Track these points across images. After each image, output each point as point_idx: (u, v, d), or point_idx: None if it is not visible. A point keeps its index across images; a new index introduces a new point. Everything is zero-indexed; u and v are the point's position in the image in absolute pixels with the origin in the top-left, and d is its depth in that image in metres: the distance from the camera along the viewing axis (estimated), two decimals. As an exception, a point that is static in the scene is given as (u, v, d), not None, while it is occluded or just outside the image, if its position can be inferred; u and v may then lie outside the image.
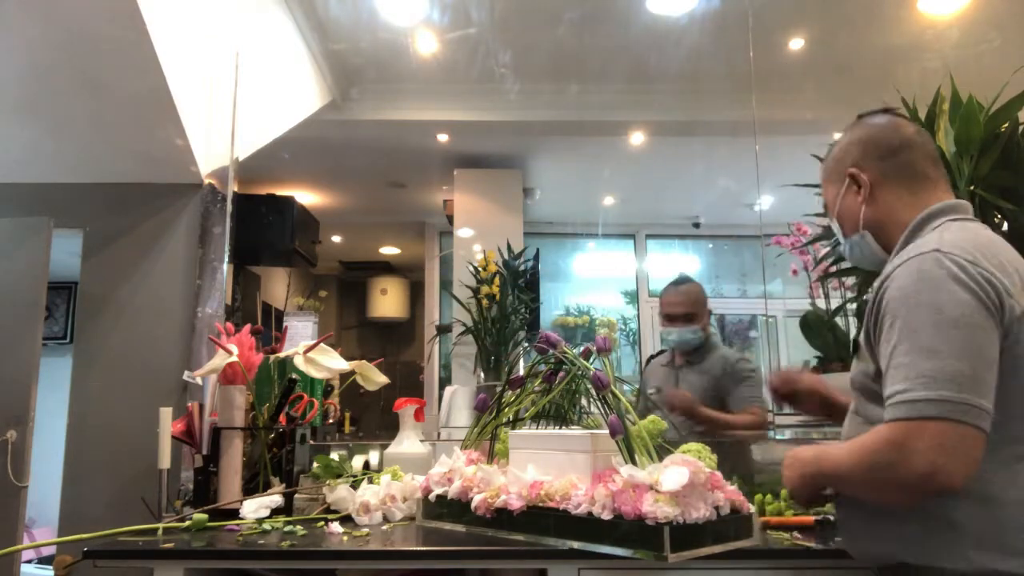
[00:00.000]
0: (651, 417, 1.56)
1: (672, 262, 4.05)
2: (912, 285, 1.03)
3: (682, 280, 2.59)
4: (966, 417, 0.96)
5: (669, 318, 2.49)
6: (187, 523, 1.50)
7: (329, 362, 1.85)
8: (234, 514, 1.59)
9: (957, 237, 1.07)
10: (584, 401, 1.50)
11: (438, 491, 1.48)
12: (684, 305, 2.45)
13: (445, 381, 3.33)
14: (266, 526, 1.50)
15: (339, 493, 1.61)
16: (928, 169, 1.17)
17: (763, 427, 2.34)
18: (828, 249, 2.24)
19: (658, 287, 3.83)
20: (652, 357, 2.80)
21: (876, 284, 1.11)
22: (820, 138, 2.15)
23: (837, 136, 1.84)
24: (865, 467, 1.04)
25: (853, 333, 2.23)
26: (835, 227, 1.29)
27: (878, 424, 1.03)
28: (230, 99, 2.67)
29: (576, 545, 1.23)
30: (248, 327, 1.90)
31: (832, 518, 1.49)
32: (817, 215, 2.18)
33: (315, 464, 1.72)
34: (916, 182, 1.16)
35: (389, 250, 4.03)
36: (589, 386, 1.40)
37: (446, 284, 3.52)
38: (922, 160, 1.17)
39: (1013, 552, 0.99)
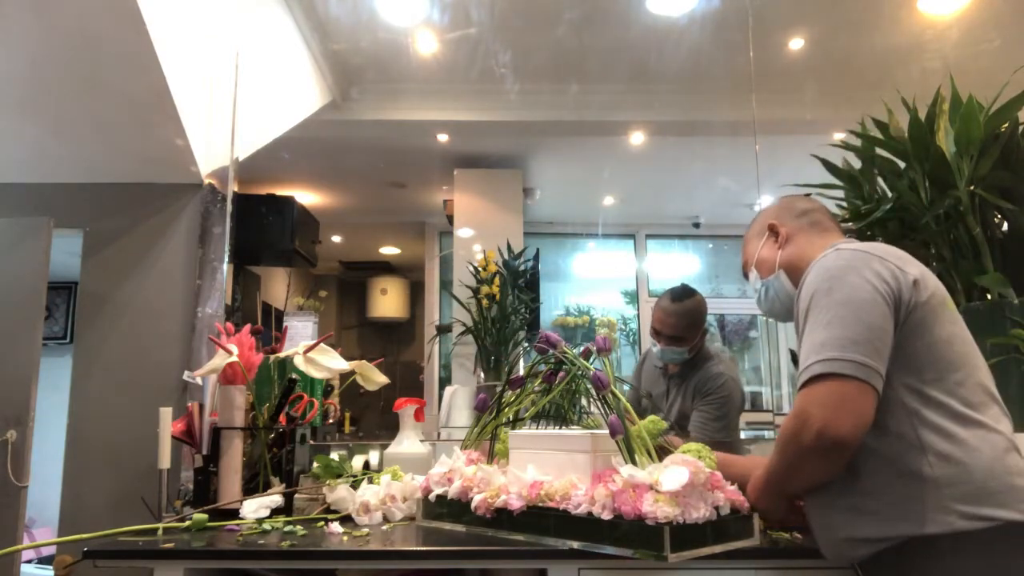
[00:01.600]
0: (651, 417, 1.56)
1: (672, 262, 4.05)
2: (813, 280, 1.20)
3: (678, 296, 2.34)
4: (849, 371, 1.08)
5: (655, 332, 2.33)
6: (187, 523, 1.50)
7: (329, 362, 1.84)
8: (234, 514, 1.59)
9: (854, 243, 1.27)
10: (584, 401, 1.50)
11: (438, 491, 1.48)
12: (672, 328, 2.28)
13: (445, 381, 3.33)
14: (266, 526, 1.50)
15: (339, 493, 1.61)
16: (830, 224, 1.44)
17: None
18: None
19: (658, 287, 3.84)
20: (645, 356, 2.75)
21: (796, 297, 1.25)
22: (820, 138, 2.16)
23: (838, 136, 1.90)
24: (780, 450, 1.18)
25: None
26: (753, 276, 1.49)
27: None
28: (230, 99, 2.67)
29: (576, 545, 1.23)
30: (248, 327, 1.90)
31: None
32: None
33: (315, 464, 1.72)
34: (823, 231, 1.41)
35: (389, 250, 4.02)
36: (589, 386, 1.39)
37: (446, 284, 3.51)
38: (825, 219, 1.44)
39: (994, 500, 1.05)
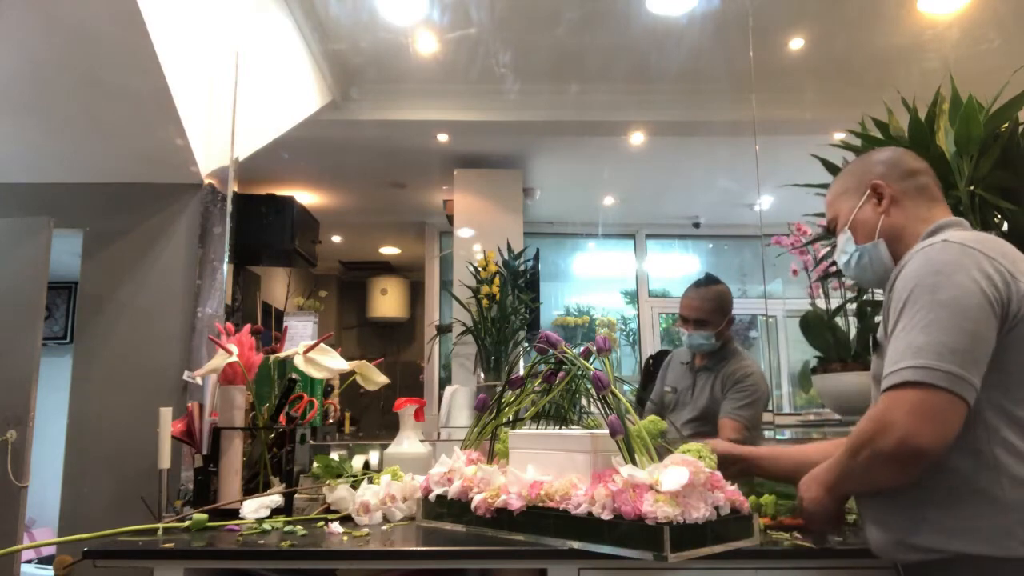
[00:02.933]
0: (651, 417, 1.56)
1: (672, 262, 4.05)
2: (916, 271, 1.11)
3: (703, 282, 2.42)
4: (944, 383, 1.01)
5: (683, 319, 2.38)
6: (187, 523, 1.50)
7: (329, 362, 1.84)
8: (234, 514, 1.59)
9: (963, 234, 1.17)
10: (584, 401, 1.50)
11: (438, 491, 1.48)
12: (697, 311, 2.33)
13: (445, 381, 3.34)
14: (266, 526, 1.50)
15: (339, 493, 1.61)
16: (938, 193, 1.30)
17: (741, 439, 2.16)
18: (828, 249, 2.24)
19: (658, 287, 3.84)
20: (653, 356, 2.76)
21: (890, 280, 1.18)
22: (820, 138, 2.16)
23: (838, 136, 1.85)
24: (854, 451, 1.10)
25: (853, 333, 2.22)
26: (844, 238, 1.35)
27: None
28: (230, 99, 2.67)
29: (576, 545, 1.23)
30: (248, 327, 1.90)
31: None
32: (817, 215, 2.18)
33: (315, 464, 1.72)
34: (930, 201, 1.28)
35: (389, 250, 4.03)
36: (589, 386, 1.39)
37: (446, 284, 3.52)
38: (933, 184, 1.30)
39: None
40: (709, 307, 2.34)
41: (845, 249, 1.34)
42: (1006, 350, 1.06)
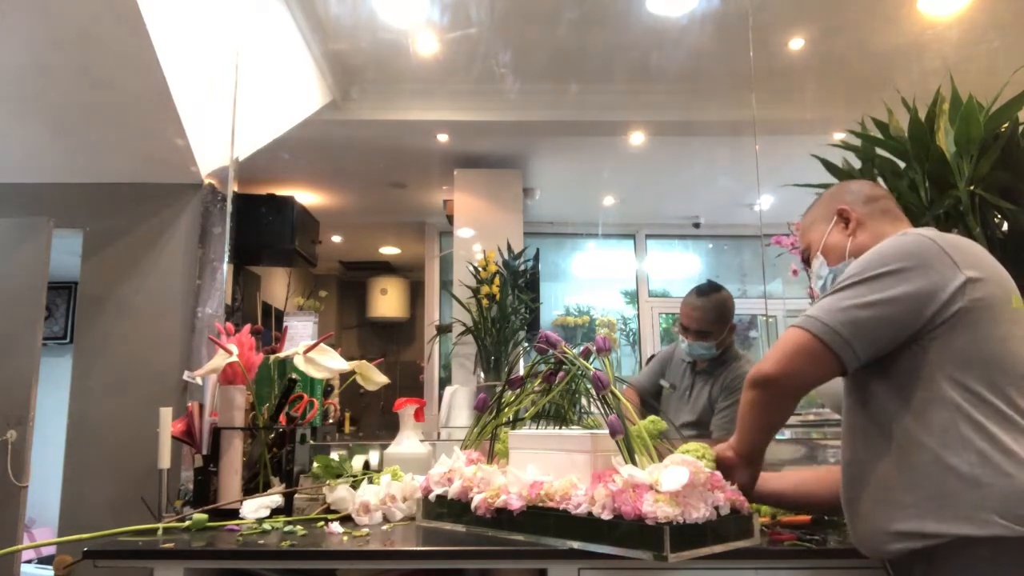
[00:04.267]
0: (651, 417, 1.56)
1: (672, 262, 4.05)
2: (863, 256, 1.20)
3: (705, 290, 2.37)
4: (818, 331, 1.12)
5: (683, 328, 2.34)
6: (187, 523, 1.50)
7: (329, 362, 1.84)
8: (234, 514, 1.59)
9: (924, 229, 1.24)
10: (584, 401, 1.50)
11: (438, 491, 1.48)
12: (699, 322, 2.30)
13: (445, 381, 3.33)
14: (266, 526, 1.50)
15: (339, 493, 1.61)
16: (900, 214, 1.41)
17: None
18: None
19: (658, 287, 3.84)
20: (654, 355, 2.75)
21: None
22: (820, 138, 2.16)
23: (838, 136, 1.87)
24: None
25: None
26: (817, 263, 1.44)
27: (868, 411, 1.18)
28: (230, 99, 2.67)
29: (576, 545, 1.23)
30: (248, 327, 1.90)
31: (826, 516, 1.49)
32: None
33: (315, 464, 1.72)
34: (895, 220, 1.38)
35: (389, 250, 4.03)
36: (589, 386, 1.40)
37: (446, 284, 3.52)
38: (895, 207, 1.41)
39: None
40: (712, 318, 2.30)
41: (820, 273, 1.44)
42: (955, 332, 1.11)
